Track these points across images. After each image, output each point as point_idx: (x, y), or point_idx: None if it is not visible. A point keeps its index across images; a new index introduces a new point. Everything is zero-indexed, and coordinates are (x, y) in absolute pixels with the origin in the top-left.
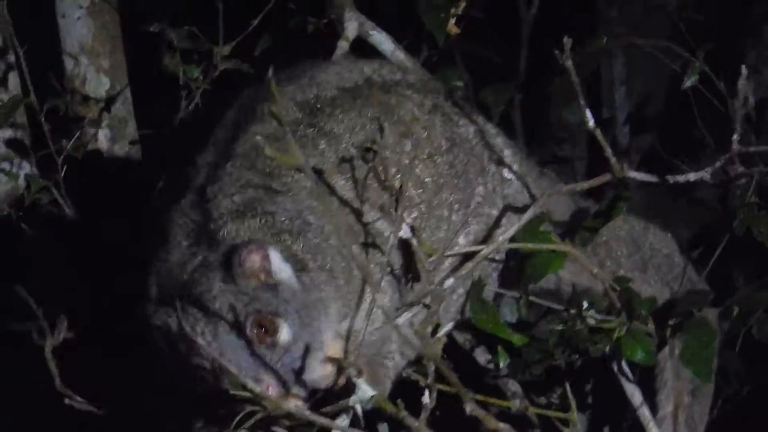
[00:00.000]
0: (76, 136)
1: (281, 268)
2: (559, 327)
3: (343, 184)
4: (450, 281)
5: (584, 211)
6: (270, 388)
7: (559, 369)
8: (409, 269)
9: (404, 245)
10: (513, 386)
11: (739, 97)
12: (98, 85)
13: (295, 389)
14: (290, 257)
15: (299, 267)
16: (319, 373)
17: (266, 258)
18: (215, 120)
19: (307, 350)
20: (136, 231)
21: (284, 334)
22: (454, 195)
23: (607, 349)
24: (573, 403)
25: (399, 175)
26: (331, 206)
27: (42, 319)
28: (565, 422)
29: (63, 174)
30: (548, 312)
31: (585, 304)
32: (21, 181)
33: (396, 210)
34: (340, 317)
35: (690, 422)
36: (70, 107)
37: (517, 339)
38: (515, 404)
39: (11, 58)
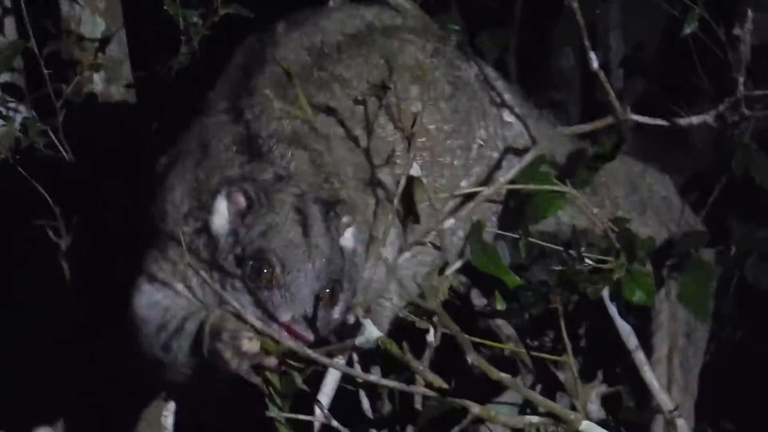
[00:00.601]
0: (75, 81)
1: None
2: (559, 268)
3: (355, 129)
4: (450, 222)
5: (582, 153)
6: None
7: (553, 312)
8: (409, 211)
9: (405, 188)
10: (507, 329)
11: (744, 40)
12: (94, 26)
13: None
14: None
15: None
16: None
17: (246, 194)
18: (220, 65)
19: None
20: (134, 186)
21: (279, 269)
22: (457, 141)
23: (606, 290)
24: (568, 346)
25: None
26: (347, 151)
27: (59, 219)
28: (559, 365)
29: (62, 118)
30: (544, 254)
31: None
32: (17, 125)
33: (408, 150)
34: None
35: (684, 364)
36: (65, 50)
37: (517, 281)
38: (510, 347)
39: (8, 2)
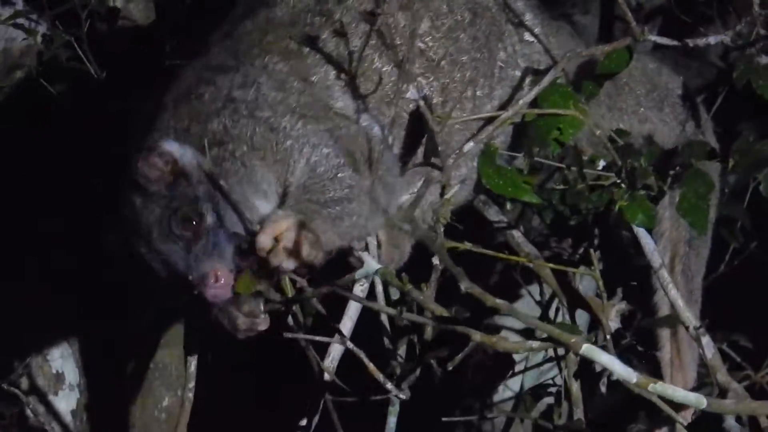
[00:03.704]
0: None
1: (186, 157)
2: (560, 187)
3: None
4: (470, 145)
5: (590, 66)
6: (218, 274)
7: (563, 224)
8: (421, 134)
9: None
10: (526, 246)
11: None
12: None
13: (246, 262)
14: (198, 140)
15: (213, 146)
16: (261, 241)
17: (163, 155)
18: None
19: (241, 222)
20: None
21: (208, 217)
22: (478, 69)
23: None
24: (596, 259)
25: (410, 45)
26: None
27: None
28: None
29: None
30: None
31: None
32: (38, 38)
33: (404, 67)
34: (272, 185)
35: (687, 272)
36: None
37: (536, 199)
38: (530, 260)
39: None
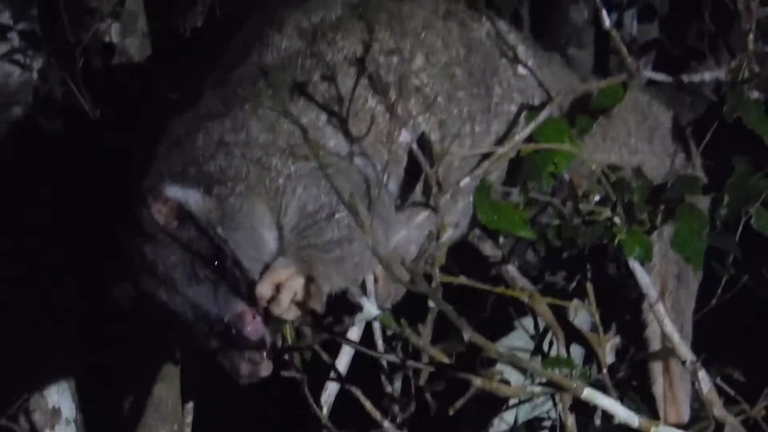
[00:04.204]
0: (94, 29)
1: (190, 199)
2: (556, 222)
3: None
4: (466, 180)
5: (584, 100)
6: (249, 314)
7: (557, 258)
8: (419, 171)
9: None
10: (521, 281)
11: None
12: None
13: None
14: (198, 182)
15: (213, 186)
16: (260, 291)
17: (168, 201)
18: (235, 24)
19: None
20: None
21: (229, 255)
22: (475, 105)
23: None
24: (591, 292)
25: (402, 85)
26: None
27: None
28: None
29: (80, 66)
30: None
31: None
32: (35, 73)
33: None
34: (273, 222)
35: (677, 306)
36: (83, 1)
37: (532, 234)
38: (526, 294)
39: None
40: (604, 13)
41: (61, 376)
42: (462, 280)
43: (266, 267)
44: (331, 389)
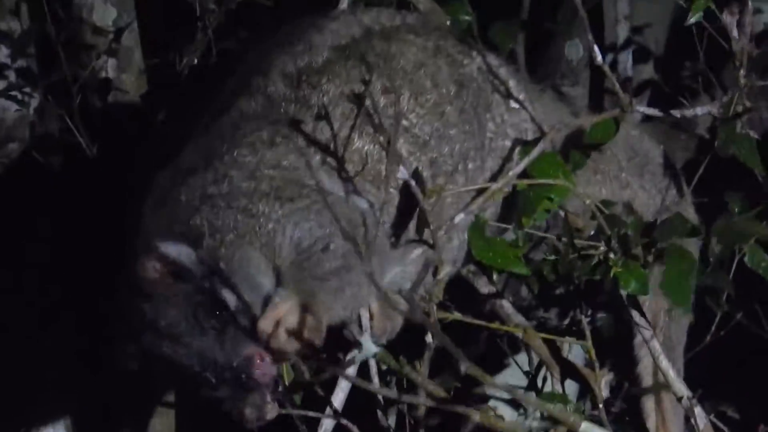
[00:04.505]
0: (91, 66)
1: (183, 253)
2: (552, 257)
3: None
4: (461, 216)
5: (577, 136)
6: (261, 353)
7: (550, 294)
8: (412, 208)
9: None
10: (516, 317)
11: (746, 32)
12: (105, 15)
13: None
14: (187, 236)
15: (203, 238)
16: (262, 326)
17: (161, 257)
18: (232, 61)
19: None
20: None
21: (231, 302)
22: (468, 142)
23: (599, 277)
24: (587, 329)
25: (395, 124)
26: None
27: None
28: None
29: (77, 103)
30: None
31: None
32: (32, 110)
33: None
34: (267, 266)
35: (668, 342)
36: (79, 36)
37: (527, 271)
38: (520, 330)
39: None
40: (597, 49)
41: (57, 411)
42: (457, 316)
43: (266, 301)
44: (327, 425)
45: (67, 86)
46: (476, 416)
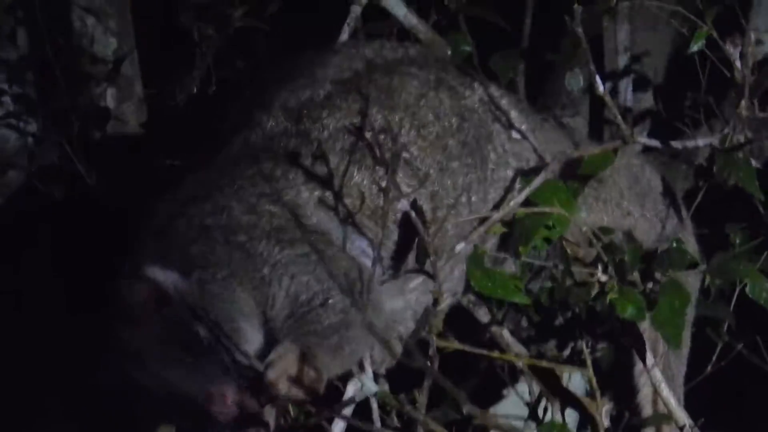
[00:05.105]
0: (91, 93)
1: (169, 281)
2: (549, 285)
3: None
4: (461, 246)
5: (575, 164)
6: (224, 392)
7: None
8: (412, 238)
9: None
10: (516, 347)
11: (747, 62)
12: (105, 45)
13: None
14: (180, 266)
15: (195, 270)
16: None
17: (147, 281)
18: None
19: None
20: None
21: (205, 338)
22: (470, 175)
23: (598, 305)
24: (588, 358)
25: (395, 154)
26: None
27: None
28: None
29: (76, 131)
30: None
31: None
32: (30, 138)
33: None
34: (254, 309)
35: (667, 371)
36: (78, 64)
37: (527, 300)
38: (520, 358)
39: (20, 13)
40: (598, 78)
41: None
42: (458, 345)
43: (262, 354)
44: None
45: (66, 114)
46: None
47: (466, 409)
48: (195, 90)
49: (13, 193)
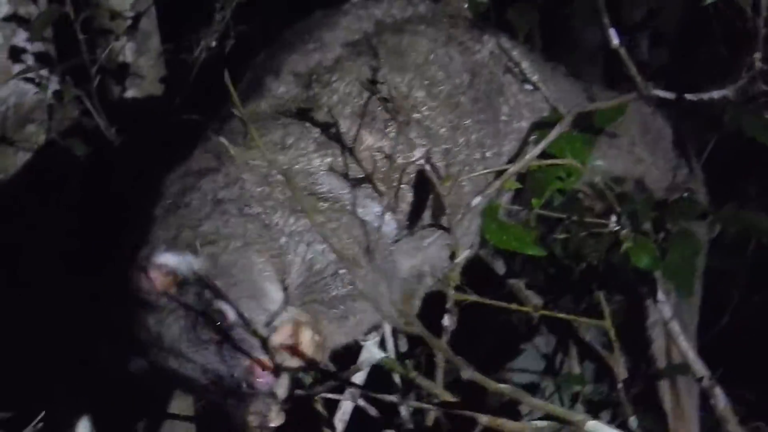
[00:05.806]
0: (109, 47)
1: (183, 264)
2: (562, 236)
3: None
4: (478, 199)
5: (586, 117)
6: (260, 362)
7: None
8: (426, 196)
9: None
10: (534, 299)
11: (762, 13)
12: None
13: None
14: (190, 241)
15: (205, 246)
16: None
17: (161, 268)
18: (248, 49)
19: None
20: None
21: (230, 314)
22: (483, 131)
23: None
24: (607, 309)
25: (408, 113)
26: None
27: None
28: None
29: (95, 86)
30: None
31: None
32: (50, 93)
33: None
34: (274, 274)
35: (680, 322)
36: (96, 19)
37: (542, 252)
38: (534, 308)
39: None
40: (612, 31)
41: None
42: (475, 297)
43: (272, 316)
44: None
45: (85, 69)
46: (484, 419)
47: (466, 374)
48: (213, 44)
49: (32, 147)
